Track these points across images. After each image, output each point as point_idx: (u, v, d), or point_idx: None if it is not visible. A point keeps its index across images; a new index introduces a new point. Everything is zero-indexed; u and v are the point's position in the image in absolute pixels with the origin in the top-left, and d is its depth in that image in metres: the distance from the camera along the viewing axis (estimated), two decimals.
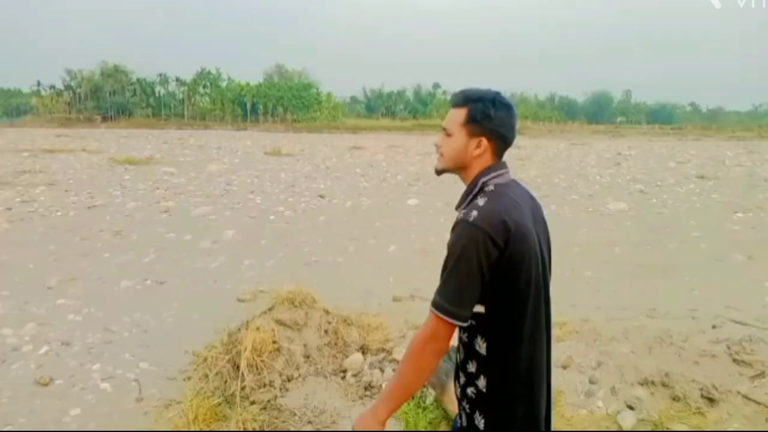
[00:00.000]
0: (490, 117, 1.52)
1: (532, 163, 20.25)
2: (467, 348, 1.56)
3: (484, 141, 1.54)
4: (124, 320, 4.36)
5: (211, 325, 4.14)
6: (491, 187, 1.52)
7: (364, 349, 3.62)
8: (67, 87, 65.38)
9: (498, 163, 1.57)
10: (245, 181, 13.71)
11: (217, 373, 3.27)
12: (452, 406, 2.79)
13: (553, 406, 1.63)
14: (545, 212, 1.66)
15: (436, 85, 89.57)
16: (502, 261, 1.41)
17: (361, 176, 15.24)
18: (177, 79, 67.80)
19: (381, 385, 3.20)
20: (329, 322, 3.76)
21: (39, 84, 67.26)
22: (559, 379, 3.28)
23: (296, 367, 3.36)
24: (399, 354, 3.50)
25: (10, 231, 7.55)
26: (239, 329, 3.61)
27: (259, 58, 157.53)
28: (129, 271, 5.76)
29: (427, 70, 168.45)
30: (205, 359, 3.49)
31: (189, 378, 3.41)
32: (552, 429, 1.64)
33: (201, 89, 68.59)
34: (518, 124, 1.62)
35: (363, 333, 3.76)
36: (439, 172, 1.66)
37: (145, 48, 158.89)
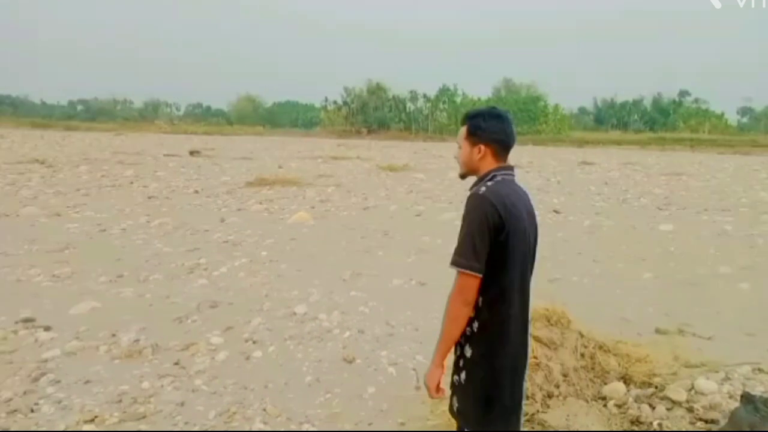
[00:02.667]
0: (482, 128, 1.78)
1: None
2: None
3: (483, 147, 1.79)
4: (399, 316, 4.70)
5: None
6: (499, 178, 1.75)
7: (626, 380, 3.24)
8: (345, 102, 72.57)
9: (506, 164, 1.81)
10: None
11: None
12: None
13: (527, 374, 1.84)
14: None
15: (684, 93, 68.08)
16: (501, 232, 1.62)
17: (597, 194, 13.57)
18: (423, 96, 70.83)
19: (650, 422, 2.84)
20: (585, 346, 3.46)
21: (326, 100, 76.61)
22: None
23: (555, 385, 3.18)
24: (673, 392, 3.00)
25: (315, 227, 8.78)
26: None
27: (487, 73, 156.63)
28: (398, 270, 6.20)
29: (670, 77, 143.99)
30: None
31: None
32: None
33: (441, 105, 69.16)
34: (514, 129, 1.83)
35: (623, 362, 3.36)
36: (461, 176, 1.91)
37: (398, 67, 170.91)
